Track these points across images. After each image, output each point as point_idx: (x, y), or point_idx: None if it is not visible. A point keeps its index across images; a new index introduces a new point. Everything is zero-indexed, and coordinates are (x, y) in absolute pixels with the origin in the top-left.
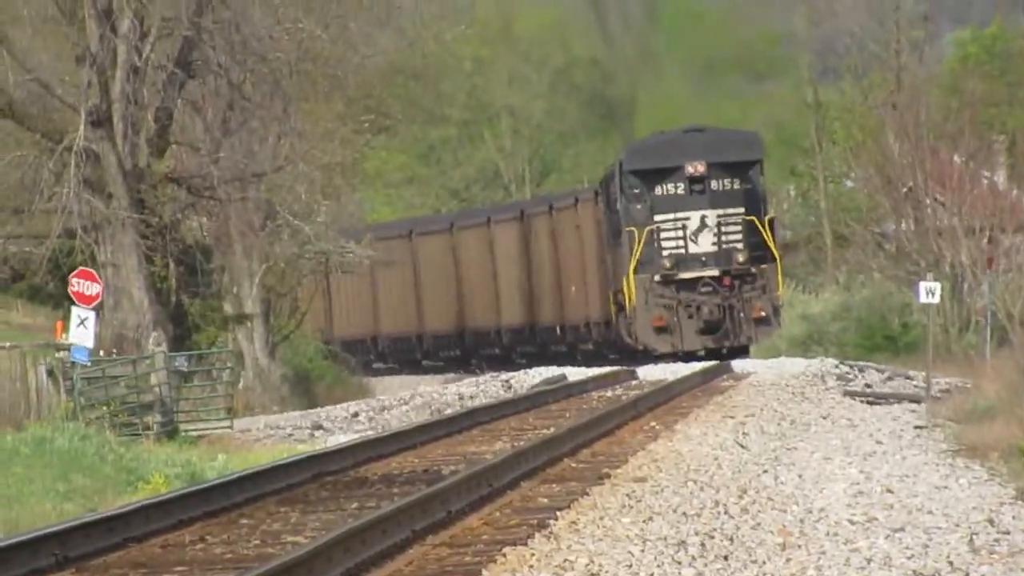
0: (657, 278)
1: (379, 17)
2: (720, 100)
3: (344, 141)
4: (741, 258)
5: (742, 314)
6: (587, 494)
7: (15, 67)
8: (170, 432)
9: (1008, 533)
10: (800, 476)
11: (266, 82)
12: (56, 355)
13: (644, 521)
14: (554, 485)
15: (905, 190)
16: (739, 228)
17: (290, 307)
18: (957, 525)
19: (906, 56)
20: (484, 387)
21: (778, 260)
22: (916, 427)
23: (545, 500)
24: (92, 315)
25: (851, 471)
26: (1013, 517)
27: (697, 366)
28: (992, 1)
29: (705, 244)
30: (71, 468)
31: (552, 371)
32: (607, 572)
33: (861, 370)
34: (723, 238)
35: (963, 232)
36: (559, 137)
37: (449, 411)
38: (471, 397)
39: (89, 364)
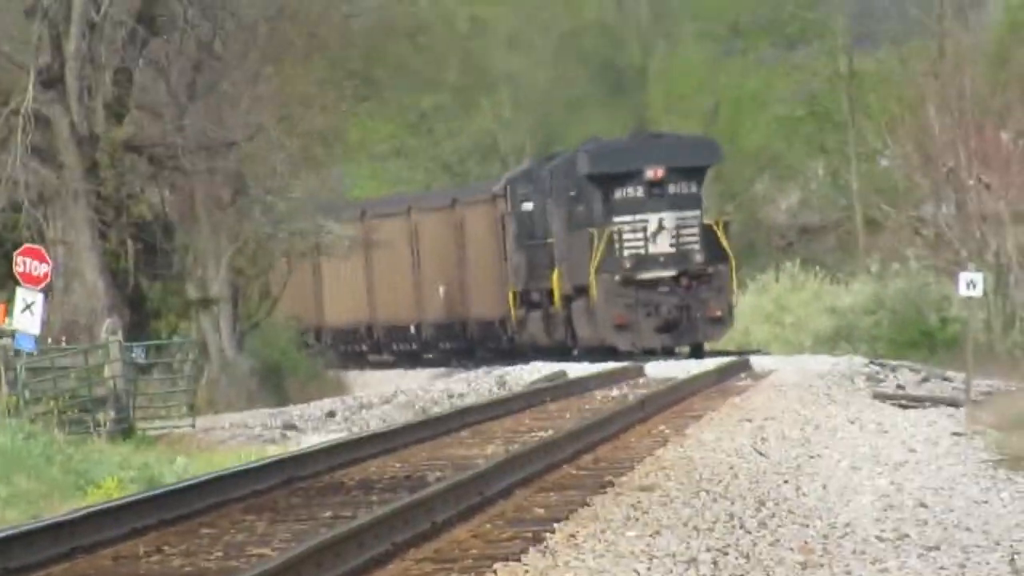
0: (617, 278)
1: None
2: (743, 69)
3: (325, 108)
4: (698, 259)
5: (698, 314)
6: (588, 504)
7: None
8: (125, 431)
9: None
10: (824, 487)
11: (238, 41)
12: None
13: (651, 535)
14: (551, 494)
15: (946, 170)
16: (696, 230)
17: (261, 292)
18: (997, 543)
19: (950, 22)
20: (475, 384)
21: (732, 261)
22: (953, 434)
23: (541, 510)
24: (40, 298)
25: (881, 482)
26: None
27: (710, 363)
28: None
29: (663, 246)
30: (13, 470)
31: (551, 367)
32: None
33: (893, 370)
34: (680, 240)
35: (1010, 218)
36: (565, 107)
37: (436, 410)
38: (460, 395)
39: (35, 353)
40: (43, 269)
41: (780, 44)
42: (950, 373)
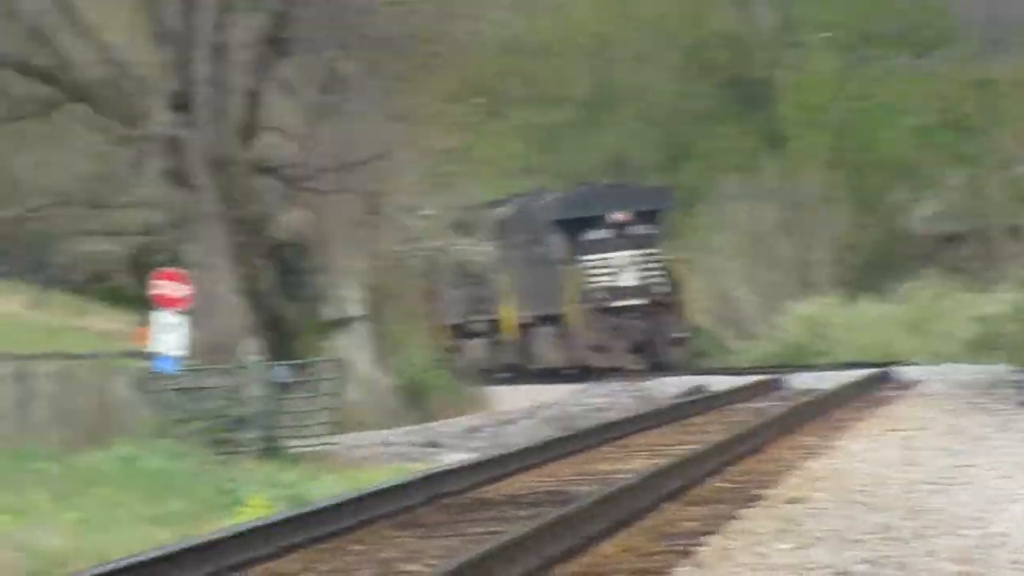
0: (593, 307)
1: None
2: (875, 79)
3: (454, 125)
4: (660, 289)
5: (662, 337)
6: (737, 517)
7: (87, 45)
8: (270, 450)
9: None
10: (977, 496)
11: (365, 61)
12: (141, 365)
13: (803, 547)
14: (700, 507)
15: None
16: (656, 265)
17: (401, 310)
18: None
19: None
20: (616, 398)
21: (687, 290)
22: None
23: (690, 524)
24: (183, 320)
25: None
26: None
27: (854, 374)
28: None
29: (630, 279)
30: (164, 490)
31: (691, 380)
32: None
33: None
34: (644, 273)
35: None
36: (693, 121)
37: (579, 425)
38: (602, 409)
39: (177, 374)
40: (183, 291)
41: (912, 52)
42: None
